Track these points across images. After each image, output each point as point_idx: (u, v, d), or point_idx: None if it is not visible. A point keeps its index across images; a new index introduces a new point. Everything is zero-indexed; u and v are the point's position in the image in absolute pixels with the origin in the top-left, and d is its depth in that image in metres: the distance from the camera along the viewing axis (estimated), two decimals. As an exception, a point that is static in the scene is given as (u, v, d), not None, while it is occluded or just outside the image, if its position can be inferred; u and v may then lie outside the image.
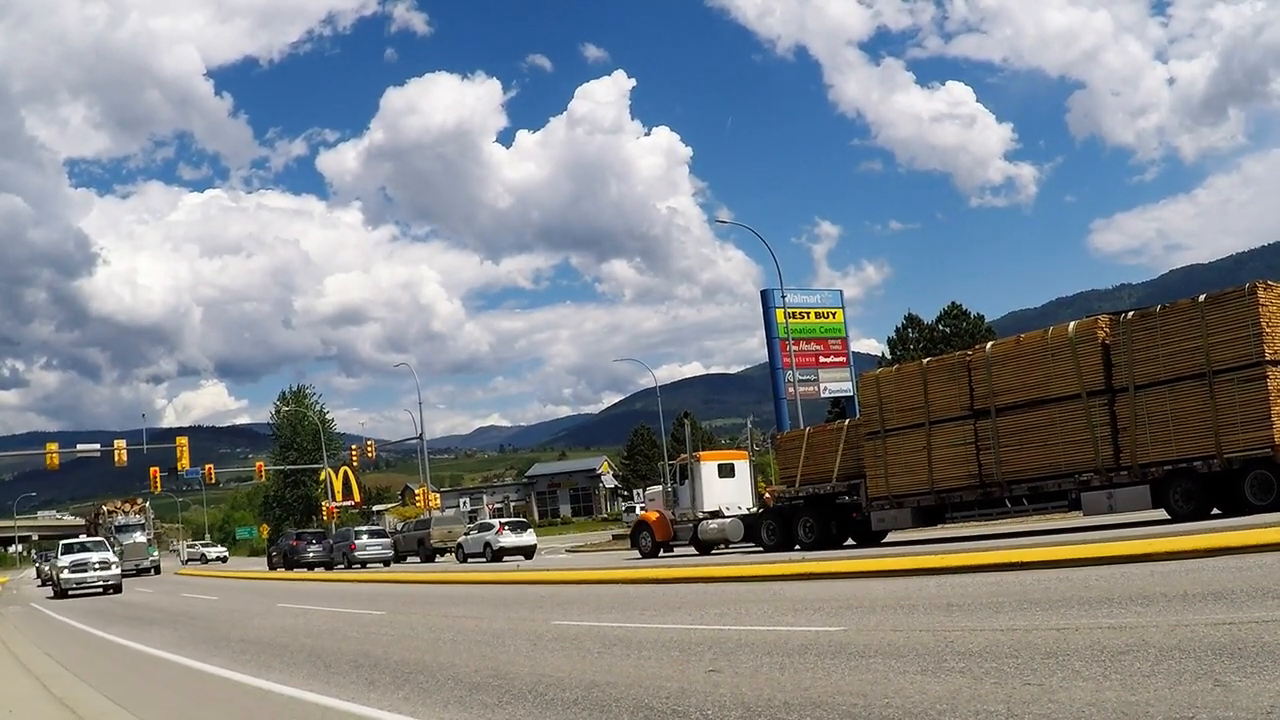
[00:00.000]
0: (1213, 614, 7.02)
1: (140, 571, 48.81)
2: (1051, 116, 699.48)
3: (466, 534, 43.00)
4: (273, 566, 50.09)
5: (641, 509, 35.66)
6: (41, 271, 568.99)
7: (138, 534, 51.99)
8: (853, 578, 14.13)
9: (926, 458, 21.84)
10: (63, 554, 32.19)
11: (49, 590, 36.34)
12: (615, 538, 51.09)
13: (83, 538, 54.85)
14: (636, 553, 30.31)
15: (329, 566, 45.73)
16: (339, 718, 6.76)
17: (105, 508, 58.77)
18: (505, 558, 38.45)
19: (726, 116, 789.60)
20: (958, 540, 21.37)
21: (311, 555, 46.62)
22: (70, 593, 30.56)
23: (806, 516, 24.84)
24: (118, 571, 31.61)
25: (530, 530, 43.27)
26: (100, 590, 30.80)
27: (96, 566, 30.93)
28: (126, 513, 56.96)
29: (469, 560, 40.02)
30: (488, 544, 40.01)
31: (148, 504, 61.73)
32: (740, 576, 16.23)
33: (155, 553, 54.54)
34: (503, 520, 46.78)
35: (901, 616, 9.25)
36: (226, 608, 20.99)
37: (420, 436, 61.70)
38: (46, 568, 44.20)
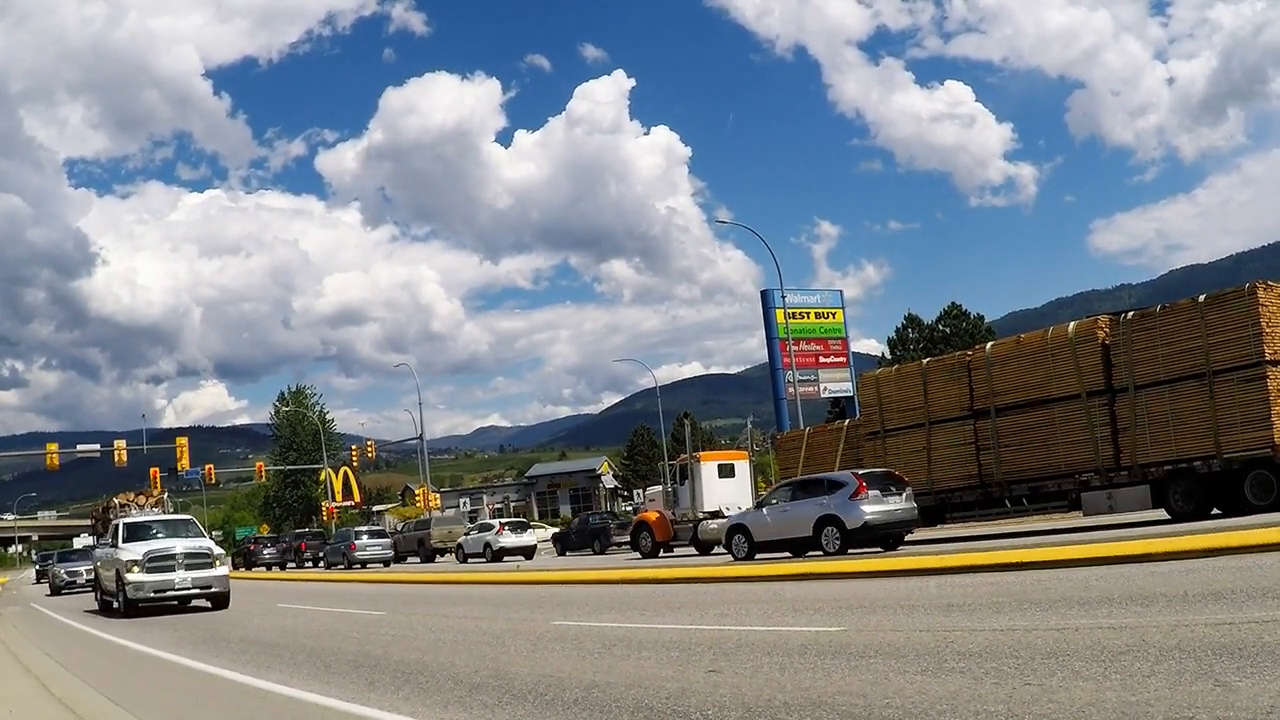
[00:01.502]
0: (1213, 614, 7.02)
1: None
2: (1051, 116, 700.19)
3: (467, 534, 43.30)
4: (234, 567, 54.41)
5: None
6: (41, 271, 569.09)
7: None
8: (853, 578, 14.12)
9: (926, 458, 21.85)
10: (126, 540, 18.83)
11: (62, 597, 34.07)
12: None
13: (154, 514, 45.93)
14: (636, 553, 30.33)
15: (283, 566, 51.38)
16: (339, 718, 6.76)
17: (117, 500, 50.00)
18: (505, 558, 38.53)
19: (727, 114, 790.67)
20: (958, 540, 21.37)
21: (266, 556, 52.83)
22: (143, 606, 18.02)
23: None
24: (224, 571, 18.75)
25: (530, 530, 43.39)
26: (178, 601, 18.53)
27: (185, 562, 17.95)
28: (141, 506, 48.78)
29: (469, 560, 40.08)
30: (488, 544, 40.13)
31: (166, 495, 52.11)
32: (740, 576, 16.24)
33: None
34: (503, 520, 46.96)
35: (901, 617, 9.25)
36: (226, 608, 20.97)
37: (420, 437, 61.77)
38: (64, 570, 37.10)
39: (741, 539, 21.83)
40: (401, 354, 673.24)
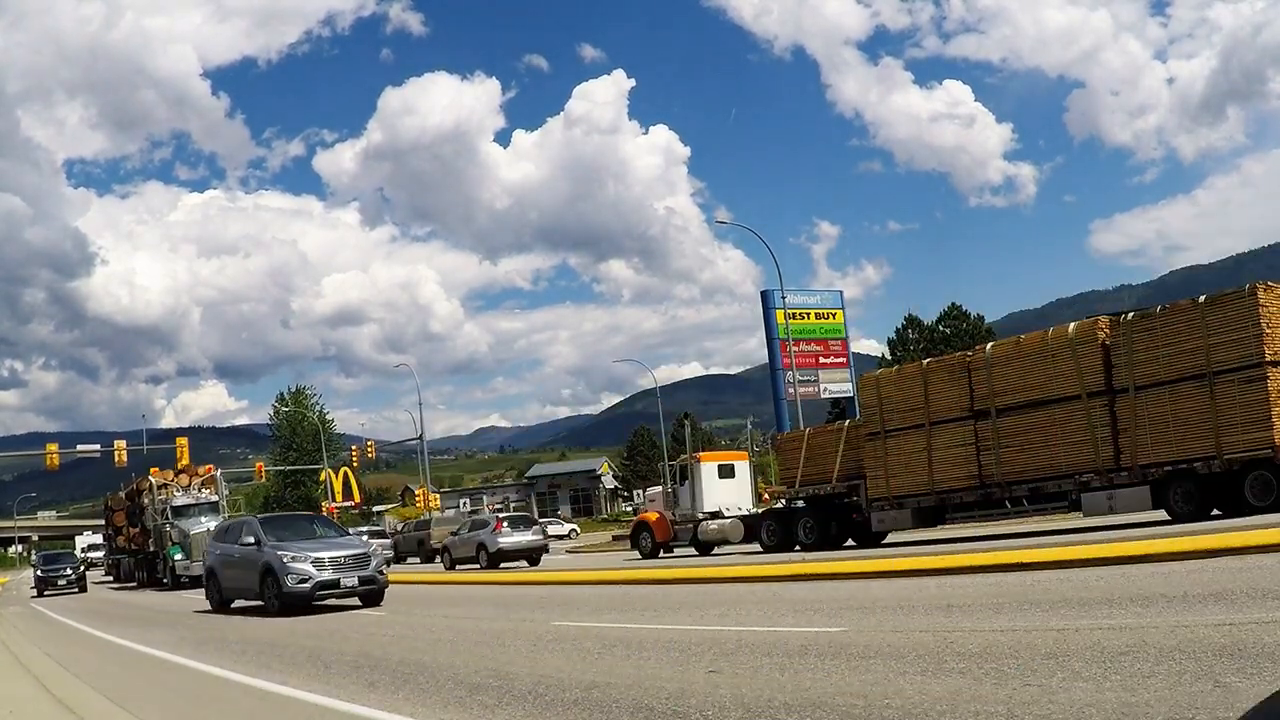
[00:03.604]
0: (1213, 615, 7.02)
1: None
2: (1050, 116, 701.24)
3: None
4: None
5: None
6: (39, 271, 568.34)
7: (209, 519, 32.42)
8: (853, 578, 14.12)
9: (927, 458, 21.83)
10: None
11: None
12: (615, 538, 51.18)
13: (206, 498, 35.11)
14: (636, 553, 30.33)
15: None
16: (339, 718, 6.75)
17: (152, 479, 37.39)
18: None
19: (726, 114, 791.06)
20: (958, 541, 21.38)
21: None
22: None
23: (806, 517, 24.84)
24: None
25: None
26: None
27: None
28: (186, 487, 36.53)
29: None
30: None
31: (219, 473, 39.92)
32: (740, 577, 16.23)
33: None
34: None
35: (901, 617, 9.24)
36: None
37: (420, 437, 61.78)
38: (296, 559, 16.60)
39: (449, 555, 34.70)
40: (401, 354, 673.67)
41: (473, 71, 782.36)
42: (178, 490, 35.96)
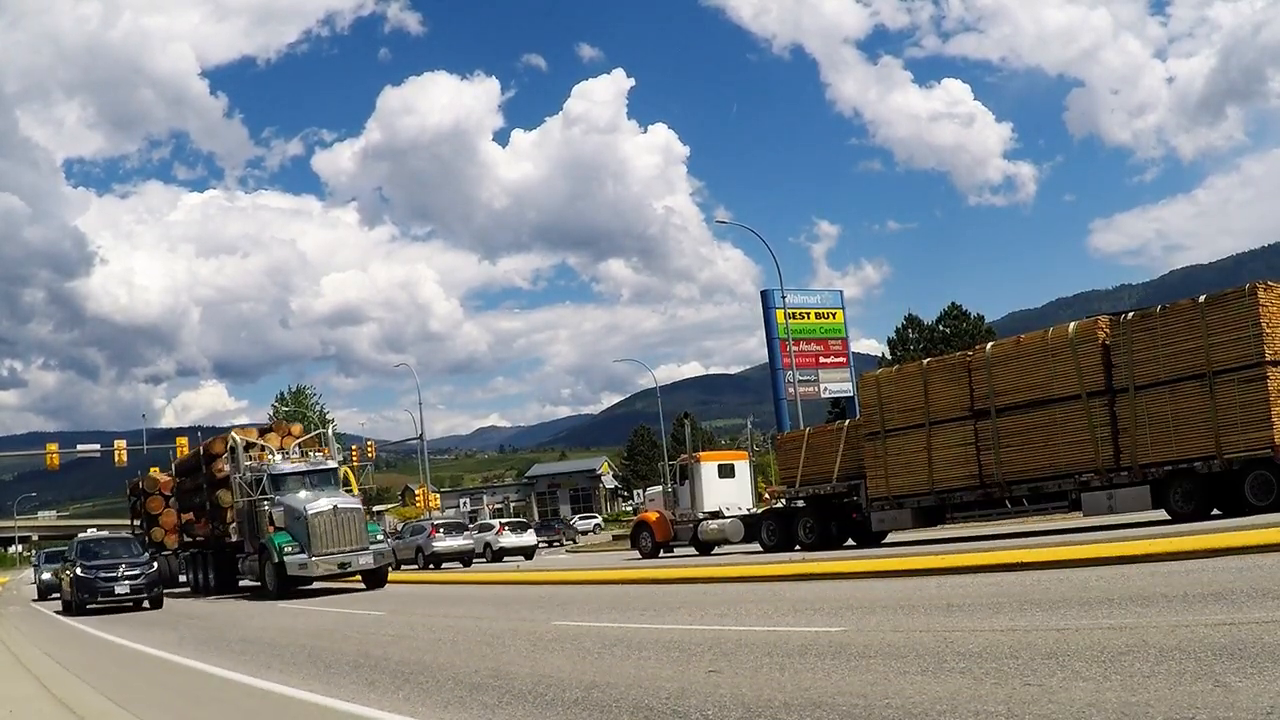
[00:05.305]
0: (1213, 615, 7.02)
1: (341, 573, 22.78)
2: (1050, 115, 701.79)
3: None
4: None
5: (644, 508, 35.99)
6: (39, 271, 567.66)
7: (331, 494, 23.65)
8: (853, 578, 14.12)
9: (927, 458, 21.82)
10: None
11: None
12: (615, 538, 51.25)
13: (319, 462, 25.33)
14: (636, 553, 30.34)
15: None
16: (339, 718, 6.76)
17: (236, 436, 26.66)
18: (505, 558, 38.60)
19: (724, 113, 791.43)
20: (958, 541, 21.38)
21: None
22: None
23: (806, 517, 24.84)
24: None
25: (530, 530, 43.50)
26: None
27: None
28: (282, 450, 26.25)
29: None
30: (488, 544, 40.09)
31: (330, 430, 30.90)
32: (740, 576, 16.23)
33: (382, 533, 27.63)
34: (503, 521, 47.10)
35: (902, 617, 9.24)
36: (226, 608, 20.98)
37: (420, 437, 61.77)
38: None
39: (395, 558, 35.42)
40: (400, 354, 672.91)
41: (471, 71, 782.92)
42: (276, 454, 25.51)
